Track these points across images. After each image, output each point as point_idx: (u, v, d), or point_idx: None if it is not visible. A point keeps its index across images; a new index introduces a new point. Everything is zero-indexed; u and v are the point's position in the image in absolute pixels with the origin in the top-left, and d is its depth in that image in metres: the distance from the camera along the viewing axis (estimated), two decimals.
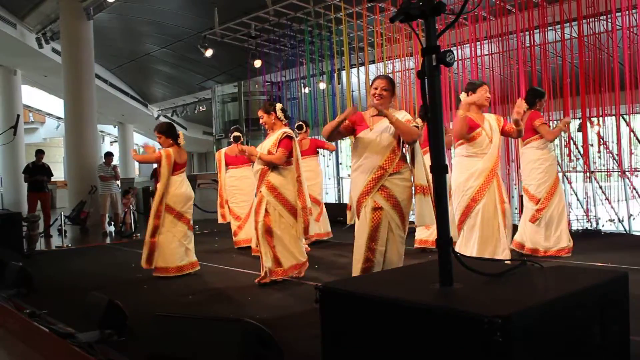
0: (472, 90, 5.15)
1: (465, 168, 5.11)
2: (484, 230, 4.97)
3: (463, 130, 5.04)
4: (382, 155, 4.23)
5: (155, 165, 7.11)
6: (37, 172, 11.18)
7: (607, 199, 8.69)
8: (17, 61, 17.88)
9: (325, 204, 8.83)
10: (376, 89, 4.28)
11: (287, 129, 5.61)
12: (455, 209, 5.20)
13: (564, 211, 6.48)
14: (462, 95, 5.20)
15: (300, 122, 8.62)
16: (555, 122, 8.93)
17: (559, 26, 8.97)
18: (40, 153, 11.52)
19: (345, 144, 15.69)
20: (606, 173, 8.76)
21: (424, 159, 4.28)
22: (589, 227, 8.50)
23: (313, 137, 9.12)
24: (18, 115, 10.60)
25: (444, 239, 2.34)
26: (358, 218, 4.36)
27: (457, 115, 5.17)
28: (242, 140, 8.35)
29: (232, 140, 8.25)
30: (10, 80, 18.80)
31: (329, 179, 16.35)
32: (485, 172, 5.02)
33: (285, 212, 5.53)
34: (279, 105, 5.69)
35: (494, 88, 9.82)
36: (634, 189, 8.47)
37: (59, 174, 20.82)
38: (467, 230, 5.08)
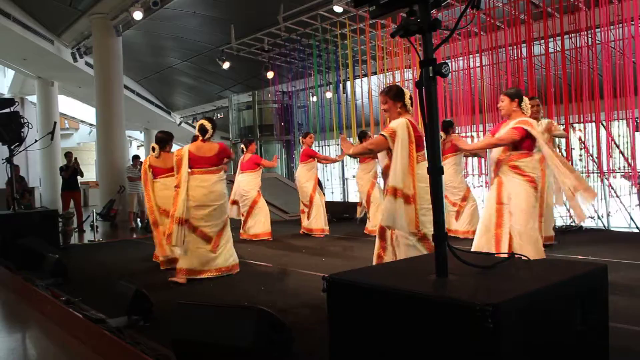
0: (519, 98, 4.57)
1: None
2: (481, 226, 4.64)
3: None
4: (382, 158, 4.12)
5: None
6: (71, 170, 11.27)
7: None
8: (54, 74, 17.97)
9: (332, 202, 8.88)
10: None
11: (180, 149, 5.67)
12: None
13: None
14: (511, 102, 4.56)
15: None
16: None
17: (543, 41, 8.95)
18: (69, 154, 11.59)
19: None
20: (586, 174, 8.73)
21: (401, 164, 3.89)
22: (572, 224, 8.45)
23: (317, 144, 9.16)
24: (55, 122, 10.69)
25: (440, 235, 2.33)
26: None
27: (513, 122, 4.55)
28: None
29: (243, 147, 8.52)
30: (48, 90, 18.92)
31: (335, 180, 16.37)
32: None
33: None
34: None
35: (484, 97, 9.81)
36: (612, 188, 8.43)
37: (91, 175, 20.90)
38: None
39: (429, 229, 3.88)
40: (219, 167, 5.63)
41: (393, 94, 4.09)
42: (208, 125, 5.59)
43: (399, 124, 3.95)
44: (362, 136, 8.27)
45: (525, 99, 4.63)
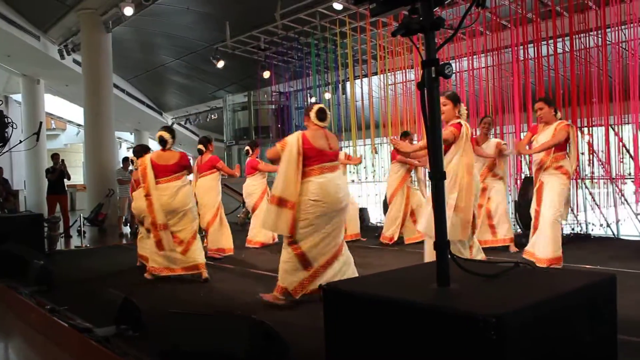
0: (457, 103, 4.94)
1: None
2: None
3: None
4: None
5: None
6: (57, 172, 11.25)
7: (597, 204, 8.65)
8: (40, 71, 17.97)
9: None
10: None
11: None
12: None
13: None
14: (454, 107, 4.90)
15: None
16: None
17: (552, 41, 8.97)
18: (56, 156, 11.58)
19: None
20: (596, 180, 8.74)
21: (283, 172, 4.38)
22: (580, 232, 8.46)
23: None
24: (41, 122, 10.65)
25: (442, 242, 2.33)
26: None
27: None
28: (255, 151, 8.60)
29: (245, 153, 8.58)
30: (34, 89, 18.91)
31: None
32: None
33: None
34: None
35: (490, 100, 9.82)
36: (622, 195, 8.43)
37: (78, 177, 20.89)
38: None
39: (304, 244, 4.39)
40: (181, 173, 5.96)
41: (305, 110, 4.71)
42: (167, 135, 5.96)
43: (292, 136, 4.44)
44: (404, 135, 8.13)
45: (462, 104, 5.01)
